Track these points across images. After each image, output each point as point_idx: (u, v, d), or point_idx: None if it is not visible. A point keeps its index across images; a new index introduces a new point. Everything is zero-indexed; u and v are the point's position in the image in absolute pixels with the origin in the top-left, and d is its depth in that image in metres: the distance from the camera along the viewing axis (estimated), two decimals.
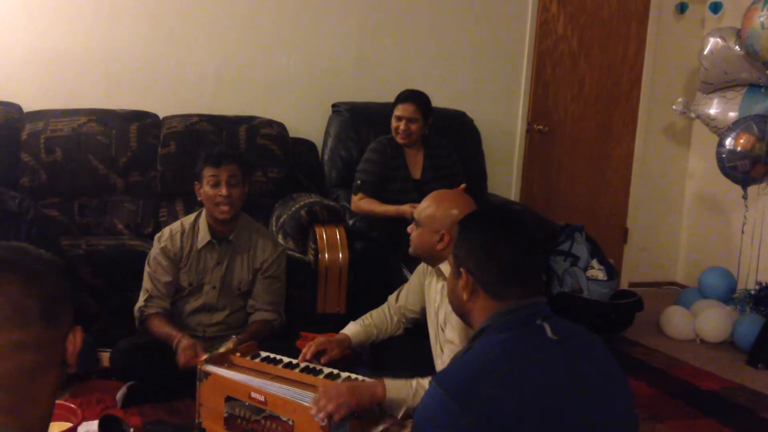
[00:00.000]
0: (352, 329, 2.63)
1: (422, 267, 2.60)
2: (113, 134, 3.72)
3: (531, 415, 1.37)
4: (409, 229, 2.42)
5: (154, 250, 2.94)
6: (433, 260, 2.37)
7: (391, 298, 2.73)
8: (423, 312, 2.58)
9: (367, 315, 2.69)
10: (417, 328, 2.69)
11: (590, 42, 4.96)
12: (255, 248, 3.00)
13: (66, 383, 2.78)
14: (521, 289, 1.56)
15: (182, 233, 2.95)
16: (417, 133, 3.68)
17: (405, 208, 3.43)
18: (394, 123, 3.69)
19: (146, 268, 2.93)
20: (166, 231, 2.98)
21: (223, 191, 2.85)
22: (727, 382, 3.54)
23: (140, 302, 2.90)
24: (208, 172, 2.88)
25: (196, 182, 2.94)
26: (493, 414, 1.36)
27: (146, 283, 2.92)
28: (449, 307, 2.23)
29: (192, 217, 3.02)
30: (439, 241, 2.30)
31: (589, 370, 1.50)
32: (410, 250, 2.43)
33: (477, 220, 1.70)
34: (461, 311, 1.66)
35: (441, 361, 2.34)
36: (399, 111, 3.67)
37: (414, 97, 3.68)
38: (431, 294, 2.47)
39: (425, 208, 2.37)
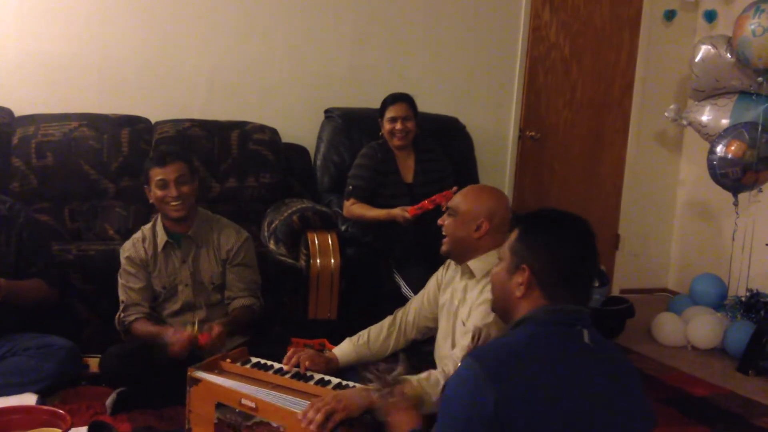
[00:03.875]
0: (343, 350, 2.57)
1: (440, 271, 2.59)
2: (105, 139, 3.70)
3: (554, 405, 1.44)
4: (440, 220, 2.44)
5: (122, 263, 2.96)
6: (465, 252, 2.37)
7: (401, 314, 2.64)
8: (436, 320, 2.54)
9: (364, 333, 2.61)
10: None
11: (582, 49, 4.98)
12: (219, 239, 3.01)
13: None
14: (572, 295, 1.61)
15: (143, 240, 2.97)
16: (413, 132, 3.67)
17: (396, 212, 3.43)
18: (387, 126, 3.66)
19: (119, 281, 2.95)
20: (128, 242, 3.00)
21: (173, 192, 2.87)
22: (718, 388, 3.55)
23: (119, 314, 2.92)
24: (154, 175, 2.88)
25: (145, 186, 2.96)
26: (521, 394, 1.43)
27: (121, 295, 2.93)
28: (473, 303, 2.26)
29: (150, 223, 3.04)
30: (476, 230, 2.33)
31: (614, 384, 1.56)
32: (443, 248, 2.42)
33: (547, 219, 1.71)
34: (507, 305, 1.69)
35: (448, 353, 2.34)
36: (392, 112, 3.65)
37: (403, 97, 3.69)
38: (448, 294, 2.45)
39: (463, 199, 2.41)
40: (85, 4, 3.90)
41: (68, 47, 3.89)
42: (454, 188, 3.36)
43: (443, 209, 3.24)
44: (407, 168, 3.71)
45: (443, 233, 2.42)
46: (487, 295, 2.16)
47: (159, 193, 2.88)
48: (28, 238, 2.85)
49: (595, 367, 1.54)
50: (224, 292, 3.00)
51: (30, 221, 2.91)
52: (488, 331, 2.14)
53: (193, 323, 2.77)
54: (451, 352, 2.32)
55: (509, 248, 1.69)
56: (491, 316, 2.16)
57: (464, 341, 2.22)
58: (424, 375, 2.14)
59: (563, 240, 1.64)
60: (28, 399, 2.58)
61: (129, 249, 2.96)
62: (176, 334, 2.72)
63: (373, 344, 2.58)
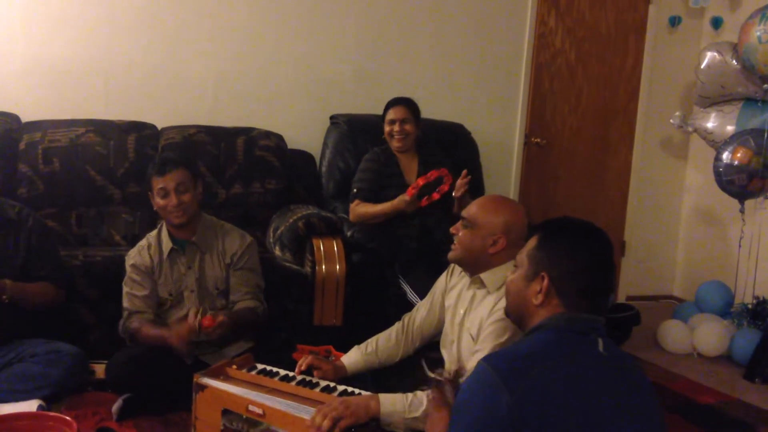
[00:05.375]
0: (352, 358, 2.56)
1: (443, 277, 2.58)
2: (111, 145, 3.72)
3: (566, 412, 1.44)
4: (453, 229, 2.38)
5: (127, 271, 2.96)
6: (477, 265, 2.32)
7: (409, 320, 2.63)
8: (442, 326, 2.53)
9: (372, 340, 2.60)
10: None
11: (588, 55, 4.98)
12: (223, 244, 3.02)
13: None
14: (589, 304, 1.62)
15: (148, 247, 2.98)
16: (412, 134, 3.71)
17: (398, 201, 3.47)
18: (387, 128, 3.72)
19: (124, 289, 2.95)
20: (133, 250, 3.01)
21: (173, 201, 2.88)
22: (724, 396, 3.54)
23: (122, 321, 2.93)
24: (155, 183, 2.90)
25: (149, 192, 2.97)
26: (534, 398, 1.43)
27: (125, 302, 2.94)
28: (483, 317, 2.22)
29: (155, 230, 3.05)
30: (492, 244, 2.27)
31: (627, 392, 1.56)
32: (452, 254, 2.37)
33: (566, 228, 1.71)
34: (523, 312, 1.68)
35: (454, 367, 2.33)
36: (391, 115, 3.71)
37: (403, 100, 3.75)
38: (453, 299, 2.44)
39: (480, 210, 2.33)
40: (92, 10, 3.91)
41: (75, 54, 3.91)
42: (465, 171, 3.44)
43: (446, 189, 3.38)
44: (410, 170, 3.73)
45: (455, 241, 2.36)
46: (501, 314, 2.12)
47: (160, 201, 2.90)
48: (36, 242, 2.86)
49: (609, 377, 1.54)
50: (229, 297, 3.01)
51: (38, 225, 2.92)
52: None
53: (197, 311, 2.77)
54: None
55: (527, 256, 1.69)
56: (505, 336, 2.14)
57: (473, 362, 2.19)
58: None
59: (583, 249, 1.64)
60: (30, 405, 2.58)
61: (134, 256, 2.97)
62: (174, 331, 2.74)
63: (381, 352, 2.57)
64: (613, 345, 1.61)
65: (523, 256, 1.71)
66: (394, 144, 3.71)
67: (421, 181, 3.43)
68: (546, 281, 1.62)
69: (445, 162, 3.84)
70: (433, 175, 3.44)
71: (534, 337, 1.59)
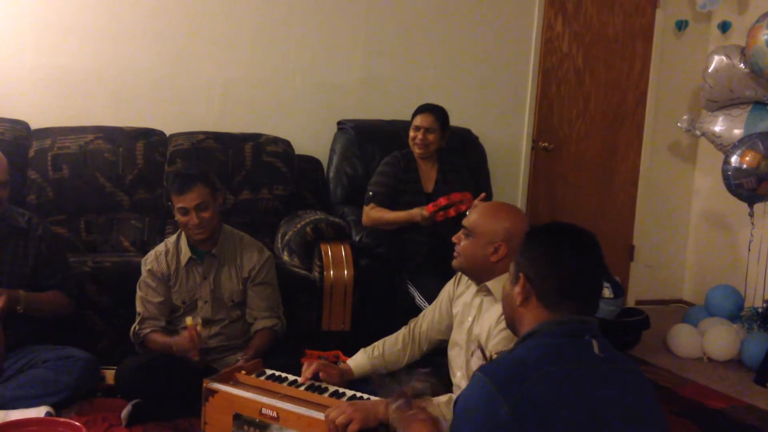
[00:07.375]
0: (358, 361, 2.56)
1: (451, 285, 2.58)
2: (120, 152, 3.73)
3: (566, 418, 1.43)
4: (455, 238, 2.37)
5: (143, 274, 2.97)
6: (481, 274, 2.31)
7: (415, 325, 2.63)
8: (449, 333, 2.53)
9: (379, 344, 2.60)
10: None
11: (595, 60, 4.97)
12: (241, 258, 3.02)
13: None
14: (575, 305, 1.60)
15: (166, 253, 2.98)
16: (434, 144, 3.70)
17: (414, 212, 3.47)
18: (411, 133, 3.72)
19: (138, 293, 2.96)
20: (151, 254, 3.02)
21: (194, 219, 2.88)
22: (734, 400, 3.52)
23: (134, 326, 2.94)
24: (175, 201, 2.90)
25: (169, 202, 2.98)
26: (533, 409, 1.42)
27: (138, 307, 2.95)
28: (492, 324, 2.21)
29: (174, 236, 3.05)
30: (494, 252, 2.26)
31: (627, 393, 1.54)
32: (456, 262, 2.37)
33: (546, 231, 1.72)
34: (511, 315, 1.69)
35: (461, 374, 2.33)
36: (417, 121, 3.70)
37: (432, 109, 3.74)
38: (460, 306, 2.43)
39: (479, 218, 2.32)
40: (101, 18, 3.94)
41: (84, 61, 3.93)
42: (483, 194, 3.42)
43: (463, 209, 3.31)
44: (428, 178, 3.73)
45: (456, 250, 2.36)
46: None
47: (181, 219, 2.90)
48: (46, 251, 2.88)
49: (606, 378, 1.53)
50: (244, 309, 3.01)
51: (48, 234, 2.94)
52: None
53: (193, 320, 2.80)
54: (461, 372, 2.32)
55: (514, 261, 1.71)
56: (512, 344, 2.14)
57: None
58: (444, 399, 2.13)
59: (561, 252, 1.64)
60: (38, 412, 2.59)
61: (151, 262, 2.97)
62: (178, 345, 2.78)
63: (387, 356, 2.57)
64: (609, 345, 1.59)
65: (512, 262, 1.73)
66: (416, 150, 3.71)
67: (443, 201, 3.41)
68: (522, 280, 1.63)
69: (464, 172, 3.84)
70: (456, 197, 3.42)
71: (528, 344, 1.57)
